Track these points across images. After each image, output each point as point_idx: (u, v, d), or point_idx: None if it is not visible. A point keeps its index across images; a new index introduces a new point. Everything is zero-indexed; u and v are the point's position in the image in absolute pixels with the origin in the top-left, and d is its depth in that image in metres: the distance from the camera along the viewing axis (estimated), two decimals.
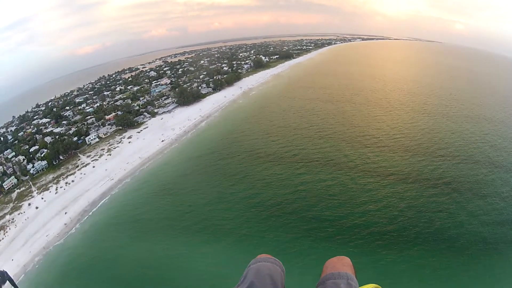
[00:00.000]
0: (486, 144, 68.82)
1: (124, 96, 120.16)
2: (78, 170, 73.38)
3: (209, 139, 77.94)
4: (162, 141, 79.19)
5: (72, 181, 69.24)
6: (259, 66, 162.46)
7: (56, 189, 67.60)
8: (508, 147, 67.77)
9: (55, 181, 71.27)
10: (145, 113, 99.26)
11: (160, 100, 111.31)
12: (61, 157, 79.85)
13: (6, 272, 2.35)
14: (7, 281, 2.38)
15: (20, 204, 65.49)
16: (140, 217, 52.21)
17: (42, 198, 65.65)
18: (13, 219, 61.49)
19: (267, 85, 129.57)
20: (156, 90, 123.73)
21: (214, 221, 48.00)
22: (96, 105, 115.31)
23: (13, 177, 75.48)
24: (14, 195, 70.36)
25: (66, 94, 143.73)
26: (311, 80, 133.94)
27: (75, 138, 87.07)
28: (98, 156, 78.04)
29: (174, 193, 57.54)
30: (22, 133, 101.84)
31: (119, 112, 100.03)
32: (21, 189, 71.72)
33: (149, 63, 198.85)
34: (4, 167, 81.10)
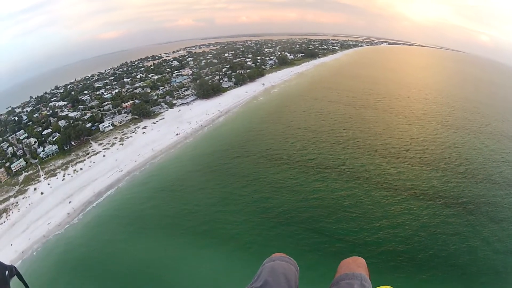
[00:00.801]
0: (507, 164, 62.69)
1: (144, 84, 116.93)
2: (88, 158, 70.59)
3: (225, 136, 74.18)
4: (177, 134, 75.56)
5: (81, 169, 66.49)
6: (283, 63, 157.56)
7: (64, 176, 64.96)
8: None
9: (63, 167, 68.65)
10: (163, 104, 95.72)
11: (180, 91, 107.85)
12: (72, 143, 76.93)
13: (14, 266, 2.22)
14: (15, 276, 2.24)
15: (26, 188, 63.29)
16: (144, 212, 49.26)
17: (49, 184, 63.11)
18: (17, 202, 59.47)
19: (290, 83, 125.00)
20: (177, 81, 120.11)
21: (220, 224, 44.63)
22: (115, 91, 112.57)
23: (22, 159, 73.29)
24: (21, 177, 68.18)
25: (87, 78, 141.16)
26: (335, 81, 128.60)
27: (89, 124, 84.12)
28: (110, 145, 75.06)
29: (182, 189, 54.08)
30: (37, 114, 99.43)
31: (136, 101, 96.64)
32: (29, 173, 69.46)
33: (173, 52, 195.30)
34: (15, 148, 79.08)
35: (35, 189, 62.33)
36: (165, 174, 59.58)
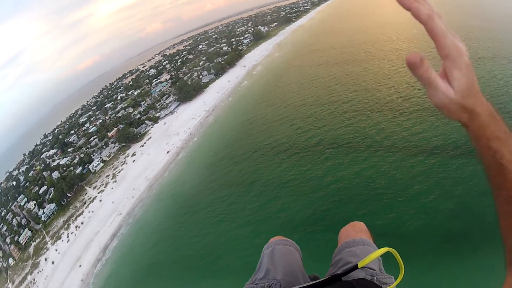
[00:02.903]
0: None
1: (126, 105, 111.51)
2: (86, 207, 66.60)
3: (218, 138, 67.73)
4: (168, 152, 69.77)
5: (82, 223, 62.54)
6: (259, 38, 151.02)
7: (68, 236, 61.43)
8: None
9: (65, 226, 65.21)
10: (147, 121, 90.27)
11: (162, 101, 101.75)
12: (68, 195, 73.37)
13: None
14: None
15: (38, 260, 60.65)
16: (154, 259, 43.80)
17: (56, 250, 59.86)
18: (34, 279, 56.85)
19: (272, 57, 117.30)
20: (157, 90, 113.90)
21: (234, 252, 37.58)
22: (99, 121, 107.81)
23: (27, 229, 71.12)
24: (31, 249, 65.68)
25: (71, 115, 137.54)
26: (317, 41, 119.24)
27: (80, 169, 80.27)
28: (104, 185, 70.66)
29: (186, 219, 48.14)
30: (32, 172, 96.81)
31: (120, 126, 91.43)
32: (37, 241, 66.78)
33: (149, 60, 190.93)
34: (18, 217, 77.16)
35: (46, 259, 59.48)
36: (165, 205, 54.32)
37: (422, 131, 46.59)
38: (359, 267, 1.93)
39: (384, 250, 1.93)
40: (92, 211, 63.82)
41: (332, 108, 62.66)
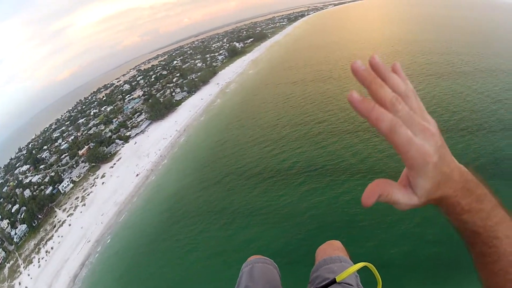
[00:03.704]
0: (493, 104, 54.46)
1: (98, 121, 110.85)
2: (56, 231, 66.53)
3: (188, 161, 67.33)
4: (137, 175, 70.34)
5: (52, 248, 62.44)
6: (234, 54, 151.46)
7: (39, 261, 61.21)
8: None
9: (36, 249, 65.03)
10: (117, 140, 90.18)
11: (133, 119, 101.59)
12: (39, 216, 73.47)
13: None
14: None
15: (13, 283, 60.14)
16: None
17: (29, 275, 59.58)
18: None
19: (246, 75, 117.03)
20: (129, 107, 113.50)
21: None
22: (71, 137, 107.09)
23: (1, 249, 70.71)
24: (6, 271, 65.44)
25: (46, 129, 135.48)
26: (293, 58, 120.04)
27: (50, 188, 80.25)
28: (73, 208, 70.71)
29: (155, 249, 46.54)
30: (6, 188, 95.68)
31: (91, 144, 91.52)
32: (10, 263, 66.52)
33: (124, 75, 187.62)
34: None
35: (20, 283, 59.09)
36: (134, 233, 53.55)
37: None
38: (337, 281, 2.00)
39: (361, 264, 2.01)
40: (62, 236, 63.84)
41: (307, 128, 62.20)
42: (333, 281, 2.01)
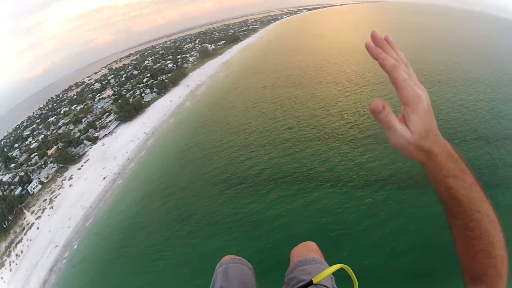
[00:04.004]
0: (468, 113, 56.91)
1: (67, 120, 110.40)
2: (25, 234, 67.41)
3: (155, 165, 68.29)
4: (104, 178, 71.94)
5: (21, 251, 63.48)
6: (205, 56, 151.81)
7: (10, 265, 61.99)
8: None
9: (7, 252, 65.53)
10: (85, 141, 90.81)
11: (102, 119, 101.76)
12: (9, 217, 74.29)
13: None
14: None
15: None
16: None
17: (2, 278, 60.06)
18: None
19: (217, 77, 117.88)
20: (99, 106, 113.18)
21: None
22: (41, 136, 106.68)
23: None
24: None
25: (17, 126, 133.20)
26: (264, 62, 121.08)
27: (19, 189, 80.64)
28: (41, 210, 71.72)
29: (122, 257, 46.45)
30: None
31: (60, 144, 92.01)
32: None
33: (95, 73, 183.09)
34: None
35: None
36: (101, 239, 53.87)
37: (370, 161, 46.88)
38: (314, 283, 2.02)
39: (337, 266, 2.09)
40: (30, 240, 64.98)
41: (276, 134, 63.02)
42: (310, 283, 2.03)
